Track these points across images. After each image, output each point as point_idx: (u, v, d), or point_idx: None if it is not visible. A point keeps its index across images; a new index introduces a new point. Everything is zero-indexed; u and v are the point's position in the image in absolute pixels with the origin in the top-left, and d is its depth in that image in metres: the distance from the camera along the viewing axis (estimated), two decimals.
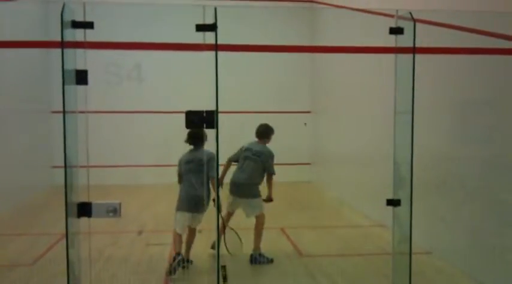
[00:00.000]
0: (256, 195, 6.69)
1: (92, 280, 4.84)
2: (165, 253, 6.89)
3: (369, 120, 9.44)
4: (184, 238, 6.27)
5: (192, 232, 6.34)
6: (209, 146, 6.56)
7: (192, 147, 6.37)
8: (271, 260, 6.58)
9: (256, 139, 6.90)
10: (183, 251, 6.15)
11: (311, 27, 14.06)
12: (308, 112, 14.37)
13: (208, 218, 6.53)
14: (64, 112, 3.01)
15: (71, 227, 3.13)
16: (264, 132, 6.89)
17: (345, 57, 10.67)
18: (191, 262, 6.32)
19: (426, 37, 4.14)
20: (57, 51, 2.95)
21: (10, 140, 10.18)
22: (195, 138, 6.25)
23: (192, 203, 6.19)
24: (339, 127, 11.83)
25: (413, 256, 4.05)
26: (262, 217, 6.69)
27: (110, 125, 12.70)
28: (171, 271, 5.91)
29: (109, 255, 6.85)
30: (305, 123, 6.41)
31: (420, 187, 4.66)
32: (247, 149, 6.80)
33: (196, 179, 6.22)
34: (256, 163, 6.68)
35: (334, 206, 10.96)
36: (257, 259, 6.54)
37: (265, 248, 6.77)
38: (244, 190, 6.66)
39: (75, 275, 3.29)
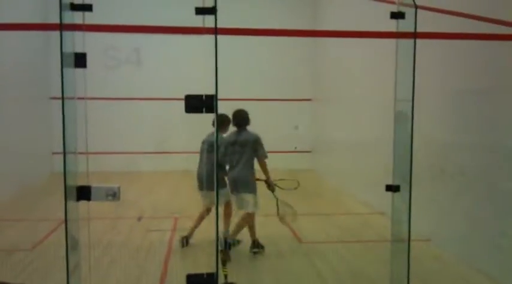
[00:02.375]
0: (222, 185, 6.57)
1: (91, 265, 4.85)
2: (165, 239, 6.91)
3: (370, 107, 9.43)
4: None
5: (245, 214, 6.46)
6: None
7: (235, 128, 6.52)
8: (238, 242, 6.62)
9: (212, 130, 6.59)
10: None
11: (313, 12, 13.99)
12: (309, 100, 14.35)
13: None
14: (63, 96, 2.99)
15: (70, 212, 3.12)
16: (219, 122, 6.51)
17: (346, 44, 10.64)
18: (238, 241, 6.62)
19: (428, 23, 4.12)
20: (57, 37, 2.93)
21: (10, 126, 10.16)
22: (240, 120, 6.45)
23: (237, 183, 6.37)
24: (339, 115, 11.82)
25: (412, 243, 4.06)
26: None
27: (109, 111, 12.69)
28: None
29: (108, 241, 6.87)
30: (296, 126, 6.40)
31: (420, 174, 4.65)
32: (203, 142, 6.72)
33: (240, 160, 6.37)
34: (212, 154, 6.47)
35: (334, 193, 10.98)
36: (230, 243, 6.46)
37: (265, 234, 6.79)
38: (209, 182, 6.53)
39: (74, 260, 3.29)
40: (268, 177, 6.44)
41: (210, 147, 6.54)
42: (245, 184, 6.36)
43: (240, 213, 6.53)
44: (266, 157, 6.42)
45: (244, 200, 6.38)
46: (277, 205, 6.45)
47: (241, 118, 6.49)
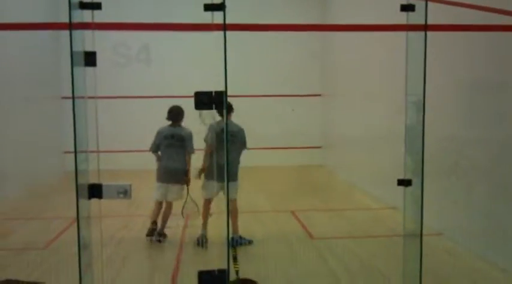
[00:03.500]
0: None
1: (103, 262, 4.88)
2: (176, 235, 6.93)
3: (380, 102, 9.38)
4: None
5: (168, 205, 6.91)
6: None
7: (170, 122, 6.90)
8: (250, 242, 6.66)
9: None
10: (158, 223, 6.79)
11: (322, 7, 13.93)
12: (318, 95, 14.31)
13: (217, 202, 6.61)
14: (73, 95, 3.00)
15: (82, 210, 3.13)
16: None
17: (356, 39, 10.60)
18: (165, 236, 6.81)
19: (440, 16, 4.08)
20: (67, 36, 2.93)
21: (23, 126, 10.24)
22: (176, 114, 6.86)
23: (170, 175, 6.80)
24: (349, 110, 11.77)
25: (424, 238, 4.03)
26: (235, 201, 6.81)
27: (119, 110, 12.74)
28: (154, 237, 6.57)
29: (121, 238, 6.91)
30: (292, 109, 6.58)
31: (432, 169, 4.62)
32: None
33: (176, 153, 6.77)
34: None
35: (345, 189, 10.95)
36: (238, 241, 6.59)
37: (276, 230, 6.79)
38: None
39: (86, 258, 3.30)
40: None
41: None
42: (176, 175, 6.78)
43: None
44: (193, 152, 6.86)
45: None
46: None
47: (175, 114, 6.89)
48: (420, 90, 3.84)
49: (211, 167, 6.65)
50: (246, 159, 7.15)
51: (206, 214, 6.75)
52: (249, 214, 7.59)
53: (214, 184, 6.61)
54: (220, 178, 6.56)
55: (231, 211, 6.66)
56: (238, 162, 6.72)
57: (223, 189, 6.57)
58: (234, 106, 6.39)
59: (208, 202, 6.75)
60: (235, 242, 6.57)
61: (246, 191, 7.54)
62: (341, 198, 10.03)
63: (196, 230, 6.86)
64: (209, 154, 6.67)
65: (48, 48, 12.35)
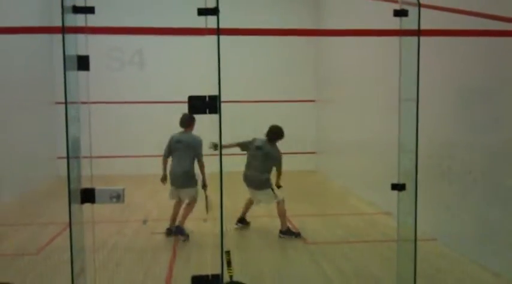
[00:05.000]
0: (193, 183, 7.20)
1: (96, 268, 4.85)
2: (170, 241, 6.90)
3: (374, 107, 9.40)
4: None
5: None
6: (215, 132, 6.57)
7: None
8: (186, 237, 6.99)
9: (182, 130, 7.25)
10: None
11: (316, 13, 13.95)
12: (313, 101, 14.32)
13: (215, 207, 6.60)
14: (66, 99, 2.98)
15: (75, 215, 3.11)
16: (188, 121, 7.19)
17: (350, 45, 10.63)
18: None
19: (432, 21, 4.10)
20: (60, 41, 2.92)
21: (16, 131, 10.20)
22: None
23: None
24: (343, 115, 11.78)
25: (418, 243, 4.03)
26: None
27: (112, 114, 12.72)
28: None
29: (114, 244, 6.87)
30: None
31: (425, 174, 4.63)
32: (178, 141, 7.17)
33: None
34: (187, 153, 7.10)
35: (339, 194, 10.95)
36: (179, 229, 7.00)
37: (270, 235, 6.77)
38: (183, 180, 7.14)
39: (79, 264, 3.28)
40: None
41: (184, 147, 7.08)
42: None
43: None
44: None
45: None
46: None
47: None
48: (414, 95, 3.85)
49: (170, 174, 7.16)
50: (241, 164, 7.20)
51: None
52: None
53: (173, 190, 7.20)
54: (177, 184, 7.12)
55: (185, 209, 7.16)
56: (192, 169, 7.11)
57: (181, 194, 7.15)
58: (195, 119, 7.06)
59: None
60: (175, 230, 7.03)
61: (240, 196, 7.52)
62: (335, 203, 10.02)
63: (192, 236, 6.88)
64: (165, 163, 7.19)
65: (42, 53, 12.32)
